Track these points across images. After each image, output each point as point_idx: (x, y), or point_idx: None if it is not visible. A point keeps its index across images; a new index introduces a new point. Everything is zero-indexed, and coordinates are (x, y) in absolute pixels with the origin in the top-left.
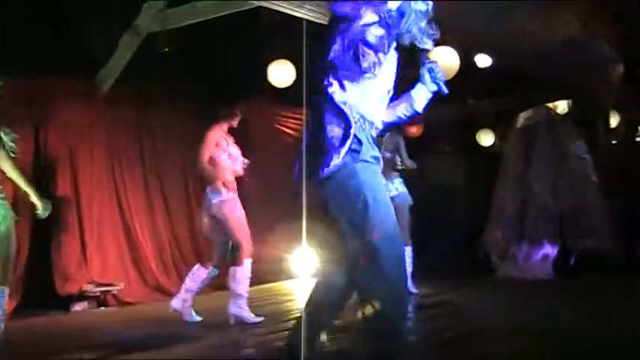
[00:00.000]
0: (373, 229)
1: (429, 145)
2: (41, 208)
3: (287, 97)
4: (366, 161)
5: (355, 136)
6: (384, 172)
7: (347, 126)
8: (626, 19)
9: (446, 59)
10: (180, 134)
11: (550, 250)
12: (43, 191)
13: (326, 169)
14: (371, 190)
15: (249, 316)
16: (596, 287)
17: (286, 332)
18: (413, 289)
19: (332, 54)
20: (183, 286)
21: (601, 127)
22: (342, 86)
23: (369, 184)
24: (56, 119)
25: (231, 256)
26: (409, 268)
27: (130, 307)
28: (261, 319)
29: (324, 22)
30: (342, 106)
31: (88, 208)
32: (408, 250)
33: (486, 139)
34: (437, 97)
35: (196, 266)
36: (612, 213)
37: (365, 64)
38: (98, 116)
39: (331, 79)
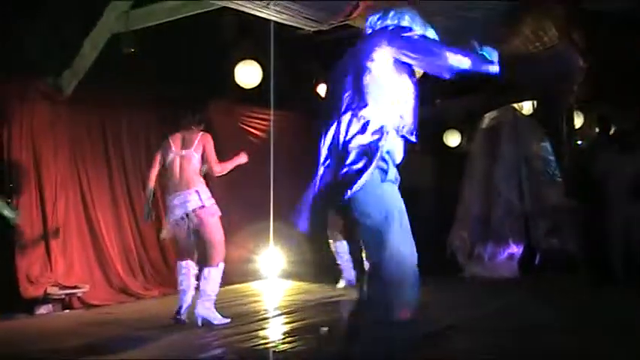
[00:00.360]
0: (392, 244)
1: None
2: (14, 217)
3: (253, 97)
4: (392, 182)
5: (382, 156)
6: None
7: (376, 146)
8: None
9: None
10: (145, 135)
11: (515, 249)
12: (8, 193)
13: (356, 186)
14: (395, 208)
15: (217, 317)
16: (558, 285)
17: (252, 333)
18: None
19: (367, 73)
20: (201, 292)
21: (565, 128)
22: (374, 105)
23: (393, 202)
24: (19, 121)
25: (203, 257)
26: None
27: (95, 309)
28: (228, 320)
29: (292, 24)
30: (374, 124)
31: (53, 210)
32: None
33: (453, 139)
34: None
35: (207, 269)
36: (575, 213)
37: (399, 85)
38: (61, 117)
39: (365, 98)
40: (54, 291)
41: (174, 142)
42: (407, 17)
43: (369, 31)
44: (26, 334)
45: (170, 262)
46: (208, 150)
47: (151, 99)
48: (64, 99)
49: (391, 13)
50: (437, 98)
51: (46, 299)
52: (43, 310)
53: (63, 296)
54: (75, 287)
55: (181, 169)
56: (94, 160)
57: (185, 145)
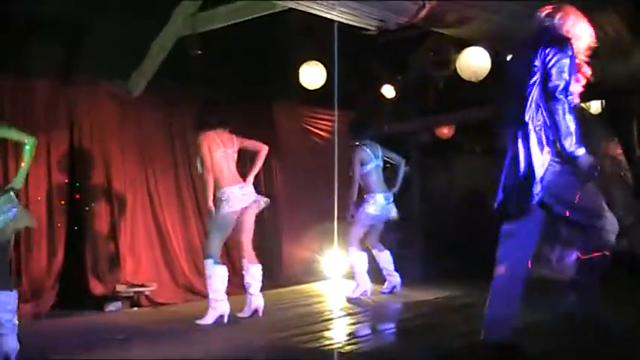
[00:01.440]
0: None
1: (459, 145)
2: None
3: (317, 98)
4: None
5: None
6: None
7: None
8: None
9: (477, 59)
10: None
11: None
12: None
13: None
14: None
15: None
16: (627, 287)
17: (317, 334)
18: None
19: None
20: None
21: (633, 130)
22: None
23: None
24: (88, 121)
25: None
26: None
27: (162, 308)
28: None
29: (358, 24)
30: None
31: (121, 210)
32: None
33: None
34: (468, 98)
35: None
36: None
37: (569, 91)
38: (130, 118)
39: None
40: (122, 289)
41: (221, 141)
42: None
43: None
44: (95, 329)
45: (235, 262)
46: (248, 143)
47: (216, 100)
48: (133, 100)
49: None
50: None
51: (114, 297)
52: (112, 307)
53: (131, 294)
54: (142, 285)
55: (230, 166)
56: (161, 160)
57: (226, 144)
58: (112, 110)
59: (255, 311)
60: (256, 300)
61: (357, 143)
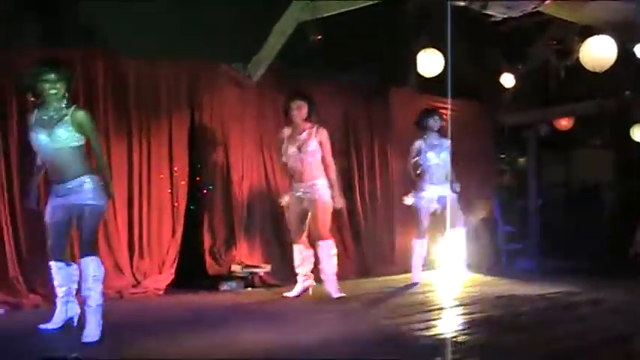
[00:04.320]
0: None
1: (578, 138)
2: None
3: (436, 86)
4: None
5: None
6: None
7: None
8: None
9: (602, 49)
10: (324, 118)
11: None
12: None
13: None
14: None
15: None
16: None
17: (429, 322)
18: (464, 274)
19: None
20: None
21: None
22: None
23: None
24: (209, 105)
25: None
26: (464, 252)
27: (274, 289)
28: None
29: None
30: None
31: (238, 191)
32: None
33: None
34: (592, 89)
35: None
36: None
37: None
38: (249, 103)
39: None
40: (237, 269)
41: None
42: None
43: None
44: (211, 308)
45: (347, 245)
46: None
47: (334, 85)
48: (252, 85)
49: None
50: (625, 90)
51: (229, 277)
52: (227, 286)
53: (246, 274)
54: (257, 267)
55: None
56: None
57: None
58: (231, 93)
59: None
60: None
61: (422, 133)
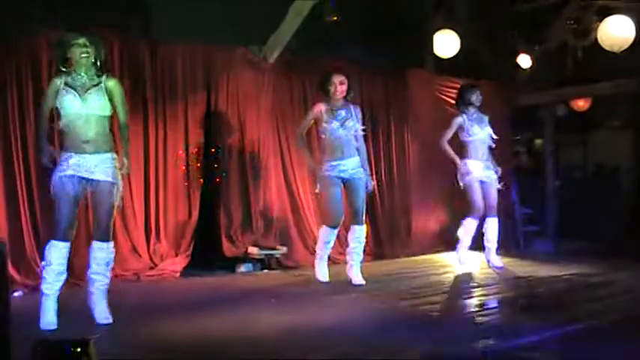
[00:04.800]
0: None
1: (596, 119)
2: (125, 167)
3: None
4: None
5: None
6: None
7: None
8: None
9: (620, 29)
10: None
11: None
12: (214, 155)
13: None
14: None
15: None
16: None
17: (444, 303)
18: (499, 263)
19: None
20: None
21: None
22: None
23: None
24: (225, 87)
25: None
26: (494, 240)
27: (291, 271)
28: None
29: None
30: None
31: (254, 173)
32: (495, 221)
33: None
34: (608, 71)
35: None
36: None
37: None
38: (265, 84)
39: None
40: (254, 251)
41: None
42: None
43: None
44: (227, 289)
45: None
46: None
47: (351, 66)
48: (269, 66)
49: None
50: None
51: (246, 259)
52: (243, 268)
53: (262, 256)
54: (274, 248)
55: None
56: (294, 125)
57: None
58: (247, 75)
59: None
60: None
61: (461, 109)
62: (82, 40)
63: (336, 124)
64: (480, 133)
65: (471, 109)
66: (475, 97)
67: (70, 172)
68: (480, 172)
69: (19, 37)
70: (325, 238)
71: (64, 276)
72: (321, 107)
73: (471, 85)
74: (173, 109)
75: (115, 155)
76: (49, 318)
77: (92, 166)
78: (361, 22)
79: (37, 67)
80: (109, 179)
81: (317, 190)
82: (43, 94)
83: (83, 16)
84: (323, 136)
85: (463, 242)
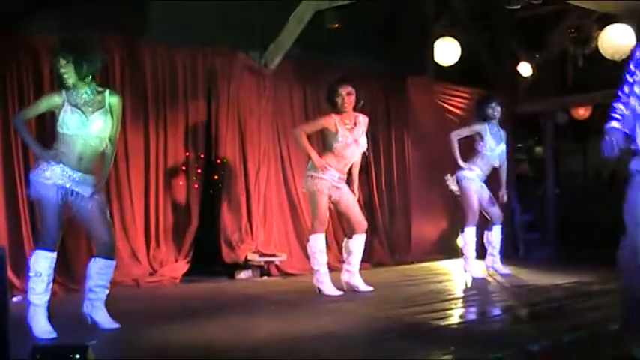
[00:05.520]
0: None
1: (596, 127)
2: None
3: (453, 74)
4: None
5: None
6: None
7: None
8: None
9: (621, 37)
10: None
11: None
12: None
13: None
14: None
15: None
16: None
17: (447, 311)
18: (505, 270)
19: None
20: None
21: None
22: None
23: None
24: (226, 93)
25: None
26: (498, 247)
27: (291, 278)
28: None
29: None
30: None
31: (255, 180)
32: (499, 230)
33: None
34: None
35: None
36: None
37: None
38: (266, 90)
39: None
40: (254, 257)
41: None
42: None
43: None
44: (227, 296)
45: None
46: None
47: (351, 72)
48: (269, 73)
49: None
50: None
51: (246, 265)
52: (242, 275)
53: (262, 263)
54: (273, 255)
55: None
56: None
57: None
58: (248, 81)
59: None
60: None
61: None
62: (62, 60)
63: (350, 138)
64: (496, 150)
65: (492, 122)
66: (490, 111)
67: (59, 182)
68: (477, 180)
69: (19, 39)
70: (319, 246)
71: (51, 285)
72: (334, 119)
73: (484, 98)
74: (174, 114)
75: (94, 177)
76: (43, 327)
77: (78, 181)
78: (362, 29)
79: (38, 70)
80: (95, 195)
81: (308, 191)
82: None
83: (83, 21)
84: (335, 147)
85: (468, 252)
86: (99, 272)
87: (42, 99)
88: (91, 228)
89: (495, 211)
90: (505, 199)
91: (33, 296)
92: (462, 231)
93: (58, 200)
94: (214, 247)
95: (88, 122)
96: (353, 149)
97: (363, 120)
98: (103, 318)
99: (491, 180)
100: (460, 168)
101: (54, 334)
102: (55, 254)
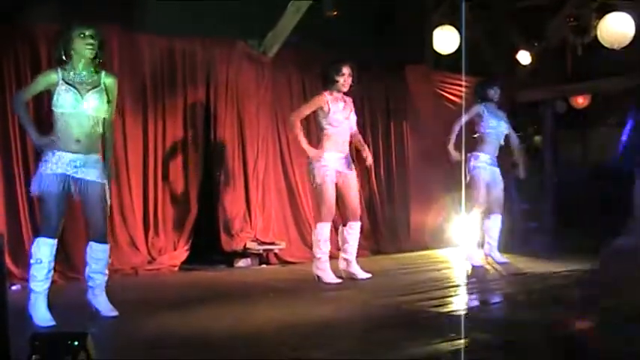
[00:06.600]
0: None
1: (594, 116)
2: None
3: (452, 63)
4: None
5: None
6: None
7: None
8: None
9: (620, 26)
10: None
11: None
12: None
13: None
14: None
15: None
16: None
17: (446, 299)
18: (502, 258)
19: None
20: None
21: None
22: None
23: None
24: (224, 81)
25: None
26: (496, 236)
27: (290, 266)
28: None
29: None
30: None
31: (253, 168)
32: (498, 219)
33: None
34: (609, 66)
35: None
36: None
37: None
38: (265, 78)
39: None
40: (253, 246)
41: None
42: None
43: None
44: (225, 284)
45: (363, 223)
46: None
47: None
48: (268, 61)
49: None
50: None
51: (245, 253)
52: (241, 263)
53: (261, 251)
54: (272, 243)
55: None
56: None
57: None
58: (247, 69)
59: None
60: None
61: (480, 100)
62: (89, 32)
63: (341, 116)
64: (497, 126)
65: (490, 104)
66: (492, 92)
67: (58, 170)
68: (486, 165)
69: (17, 31)
70: (325, 235)
71: (52, 272)
72: (326, 97)
73: (486, 80)
74: (172, 103)
75: (100, 156)
76: (43, 315)
77: (81, 165)
78: (361, 17)
79: (36, 63)
80: (98, 180)
81: (315, 183)
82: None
83: (80, 9)
84: (327, 128)
85: (470, 239)
86: (93, 257)
87: (38, 77)
88: (87, 212)
89: (499, 200)
90: (522, 175)
91: (33, 283)
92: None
93: (59, 188)
94: (213, 236)
95: (82, 100)
96: (345, 126)
97: (349, 100)
98: (102, 305)
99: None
100: (470, 157)
101: (53, 322)
102: (55, 241)
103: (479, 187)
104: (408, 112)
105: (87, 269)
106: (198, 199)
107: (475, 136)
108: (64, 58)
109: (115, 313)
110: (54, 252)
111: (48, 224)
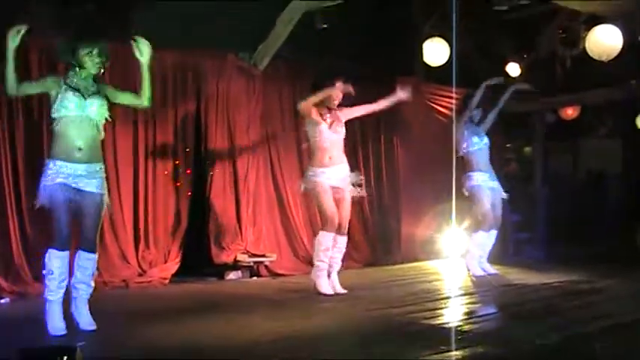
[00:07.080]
0: None
1: (584, 127)
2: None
3: (442, 75)
4: None
5: None
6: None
7: None
8: None
9: (608, 38)
10: None
11: None
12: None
13: None
14: None
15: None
16: None
17: (436, 311)
18: (492, 270)
19: None
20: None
21: None
22: None
23: None
24: (214, 94)
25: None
26: (488, 250)
27: (281, 278)
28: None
29: None
30: None
31: (244, 180)
32: (494, 234)
33: None
34: (598, 78)
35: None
36: None
37: None
38: (255, 91)
39: None
40: (243, 258)
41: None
42: None
43: None
44: (216, 296)
45: (353, 234)
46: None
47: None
48: (258, 74)
49: None
50: (631, 79)
51: (235, 266)
52: (232, 275)
53: (251, 264)
54: (263, 256)
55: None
56: (284, 131)
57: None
58: (237, 82)
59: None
60: None
61: (465, 118)
62: (96, 51)
63: (326, 127)
64: (480, 143)
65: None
66: (475, 113)
67: (61, 180)
68: (487, 182)
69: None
70: (325, 244)
71: (66, 282)
72: (335, 90)
73: (473, 93)
74: (163, 116)
75: (102, 165)
76: (56, 323)
77: (82, 176)
78: (351, 30)
79: (26, 72)
80: (98, 191)
81: (302, 189)
82: (32, 99)
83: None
84: (316, 139)
85: (475, 254)
86: (80, 265)
87: (46, 77)
88: (82, 221)
89: (498, 217)
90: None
91: (47, 293)
92: (474, 233)
93: (64, 199)
94: (204, 248)
95: (86, 103)
96: (335, 137)
97: (340, 111)
98: (82, 317)
99: None
100: (467, 177)
101: (64, 332)
102: (66, 253)
103: (485, 204)
104: (399, 124)
105: (72, 279)
106: (189, 212)
107: (461, 155)
108: (73, 63)
109: (93, 327)
110: (65, 263)
111: (58, 234)
